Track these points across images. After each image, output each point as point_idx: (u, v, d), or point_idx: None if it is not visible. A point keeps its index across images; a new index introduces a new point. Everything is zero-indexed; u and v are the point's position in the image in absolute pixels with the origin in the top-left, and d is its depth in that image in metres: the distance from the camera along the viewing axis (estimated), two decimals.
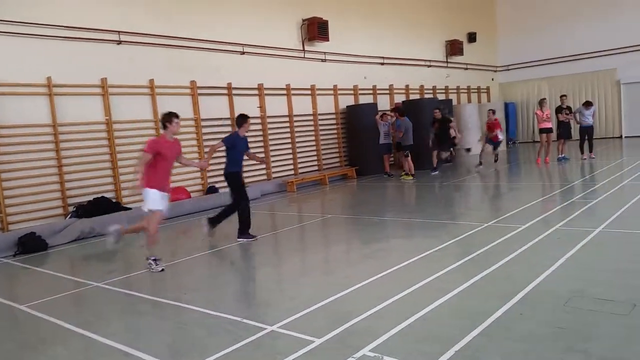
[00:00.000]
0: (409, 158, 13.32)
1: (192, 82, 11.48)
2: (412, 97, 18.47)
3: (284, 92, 13.81)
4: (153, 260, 6.04)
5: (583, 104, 14.54)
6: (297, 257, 6.60)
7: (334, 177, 14.32)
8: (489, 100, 23.14)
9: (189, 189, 11.02)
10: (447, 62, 20.72)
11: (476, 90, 22.66)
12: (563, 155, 14.35)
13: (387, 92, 17.57)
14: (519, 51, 23.55)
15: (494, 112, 14.88)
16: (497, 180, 12.62)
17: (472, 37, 21.92)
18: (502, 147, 17.13)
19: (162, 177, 6.08)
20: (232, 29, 12.40)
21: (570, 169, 12.98)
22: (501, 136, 14.91)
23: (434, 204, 9.97)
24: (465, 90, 21.92)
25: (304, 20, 14.31)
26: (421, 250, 5.91)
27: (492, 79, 24.13)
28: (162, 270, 5.98)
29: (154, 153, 5.90)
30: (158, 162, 5.96)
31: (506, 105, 22.96)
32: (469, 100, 21.96)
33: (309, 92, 14.55)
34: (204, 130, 11.69)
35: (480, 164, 14.04)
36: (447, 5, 20.84)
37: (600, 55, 21.41)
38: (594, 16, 21.37)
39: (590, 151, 14.33)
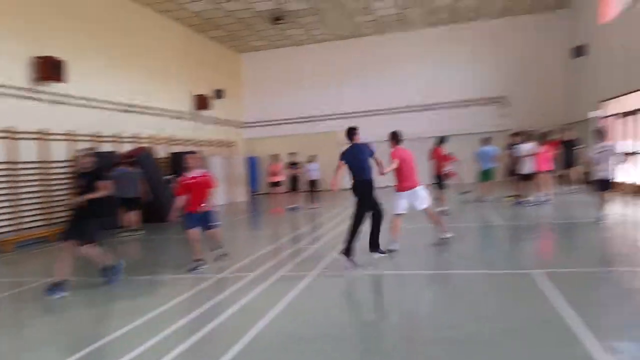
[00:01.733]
0: (133, 212, 12.30)
1: None
2: (159, 147, 18.19)
3: (5, 135, 12.00)
4: None
5: (308, 160, 16.61)
6: None
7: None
8: (235, 154, 24.39)
9: None
10: (195, 115, 21.16)
11: (223, 144, 23.64)
12: (294, 205, 15.93)
13: (132, 140, 16.89)
14: (261, 110, 25.78)
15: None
16: (235, 230, 13.15)
17: (219, 94, 22.98)
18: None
19: None
20: None
21: (300, 217, 14.42)
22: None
23: (168, 259, 9.76)
24: (214, 144, 22.65)
25: (37, 58, 12.86)
26: (146, 311, 5.65)
27: (239, 134, 25.59)
28: None
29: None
30: None
31: (250, 159, 24.56)
32: (217, 154, 22.73)
33: (37, 136, 12.95)
34: None
35: None
36: (196, 61, 21.53)
37: (326, 119, 24.96)
38: (321, 86, 24.99)
39: (316, 201, 16.26)
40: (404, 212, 8.05)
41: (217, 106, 22.74)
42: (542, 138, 13.60)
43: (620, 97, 16.11)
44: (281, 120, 25.52)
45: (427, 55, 23.77)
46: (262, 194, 24.99)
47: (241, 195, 22.38)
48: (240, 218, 15.74)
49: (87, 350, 4.56)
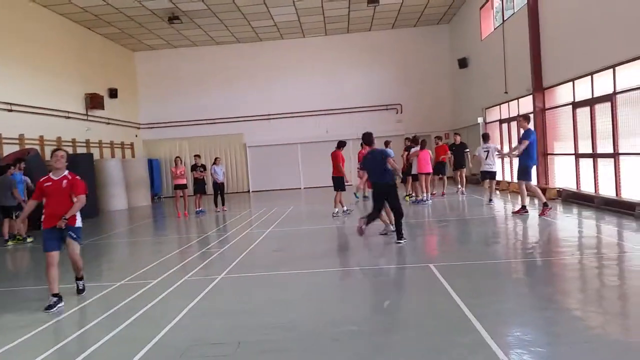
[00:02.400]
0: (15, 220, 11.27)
1: None
2: (48, 149, 16.83)
3: None
4: None
5: (213, 162, 16.32)
6: None
7: None
8: (133, 156, 23.28)
9: None
10: (87, 115, 19.87)
11: (120, 146, 22.43)
12: (200, 208, 15.58)
13: (17, 142, 15.48)
14: (160, 111, 24.79)
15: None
16: (138, 236, 12.59)
17: (113, 93, 21.77)
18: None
19: None
20: None
21: (206, 220, 14.15)
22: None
23: (64, 268, 9.10)
24: (108, 145, 21.42)
25: None
26: (41, 323, 5.27)
27: (136, 136, 24.42)
28: None
29: None
30: None
31: (150, 161, 23.53)
32: (113, 155, 21.54)
33: None
34: None
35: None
36: (88, 59, 20.23)
37: (231, 121, 24.64)
38: (224, 88, 24.61)
39: (223, 204, 16.04)
40: None
41: (112, 106, 21.55)
42: (423, 143, 14.47)
43: (501, 104, 17.77)
44: (183, 121, 24.76)
45: (327, 62, 24.44)
46: (166, 197, 24.10)
47: (143, 199, 21.37)
48: (142, 223, 15.05)
49: None
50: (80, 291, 6.43)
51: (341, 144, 13.14)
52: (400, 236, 8.49)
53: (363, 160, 9.24)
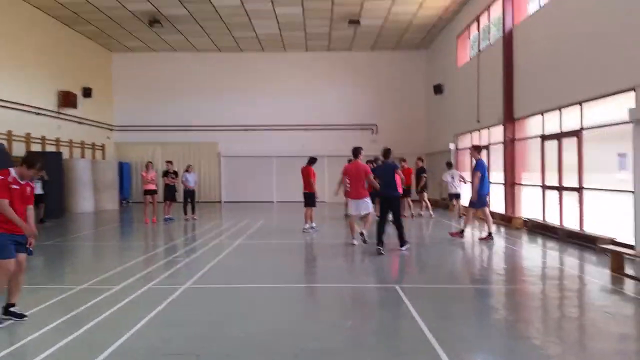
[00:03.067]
0: None
1: None
2: (16, 145, 16.41)
3: None
4: None
5: (185, 170, 16.13)
6: None
7: None
8: (104, 158, 22.84)
9: None
10: (59, 112, 19.44)
11: (91, 146, 21.99)
12: (169, 215, 15.35)
13: None
14: (135, 114, 24.44)
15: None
16: (104, 240, 12.31)
17: (87, 92, 21.39)
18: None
19: None
20: None
21: (174, 228, 13.94)
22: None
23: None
24: (79, 145, 20.97)
25: None
26: None
27: (108, 137, 23.99)
28: None
29: None
30: None
31: (121, 164, 23.12)
32: (83, 156, 21.09)
33: None
34: None
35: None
36: (63, 55, 19.88)
37: (206, 130, 24.46)
38: (202, 96, 24.47)
39: (193, 212, 15.85)
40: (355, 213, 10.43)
41: (85, 105, 21.16)
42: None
43: (472, 132, 18.18)
44: (157, 126, 24.46)
45: (306, 78, 24.63)
46: (135, 202, 23.63)
47: (110, 202, 20.93)
48: (109, 227, 14.73)
49: None
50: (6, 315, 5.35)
51: (312, 160, 13.16)
52: (404, 243, 9.76)
53: (374, 170, 10.65)
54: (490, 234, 11.04)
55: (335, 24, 20.46)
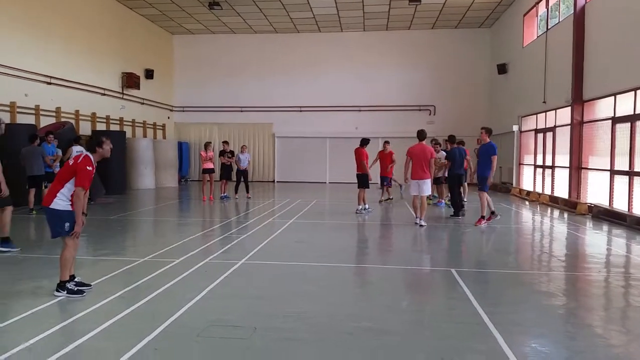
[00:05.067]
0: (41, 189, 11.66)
1: None
2: (82, 124, 17.31)
3: None
4: None
5: (240, 150, 16.39)
6: None
7: None
8: (164, 137, 23.67)
9: None
10: (122, 93, 20.27)
11: (152, 126, 22.83)
12: (225, 194, 15.75)
13: (54, 114, 15.93)
14: (193, 95, 25.09)
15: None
16: (164, 216, 12.81)
17: (149, 74, 22.14)
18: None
19: None
20: None
21: (230, 206, 14.30)
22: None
23: (92, 240, 9.35)
24: (141, 125, 21.81)
25: None
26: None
27: (169, 117, 24.80)
28: None
29: None
30: None
31: (180, 144, 23.89)
32: (145, 135, 21.94)
33: None
34: None
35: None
36: (127, 38, 20.62)
37: (262, 111, 24.77)
38: (258, 77, 24.72)
39: (247, 191, 16.17)
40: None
41: (147, 87, 21.92)
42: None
43: (538, 114, 17.40)
44: (215, 107, 25.03)
45: (362, 58, 24.29)
46: (193, 180, 24.45)
47: (170, 180, 21.77)
48: (168, 203, 15.32)
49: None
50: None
51: (365, 141, 13.01)
52: (459, 208, 11.96)
53: (449, 154, 12.53)
54: (493, 212, 10.70)
55: (395, 2, 20.00)
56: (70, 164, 5.34)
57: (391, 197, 15.53)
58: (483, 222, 10.59)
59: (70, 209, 5.29)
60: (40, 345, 3.99)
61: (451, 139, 12.73)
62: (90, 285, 5.62)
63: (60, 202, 5.28)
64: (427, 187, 10.53)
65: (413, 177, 10.61)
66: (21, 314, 4.72)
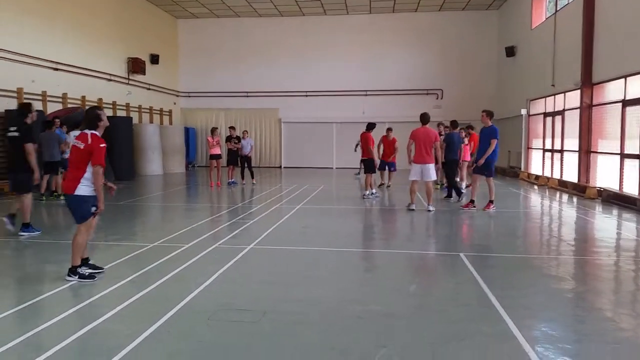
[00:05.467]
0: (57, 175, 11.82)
1: None
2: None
3: None
4: None
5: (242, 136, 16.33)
6: None
7: None
8: (170, 123, 23.67)
9: None
10: (128, 79, 20.24)
11: (158, 112, 22.83)
12: (232, 179, 15.78)
13: (60, 100, 15.96)
14: (199, 80, 25.02)
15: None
16: (172, 201, 12.88)
17: (154, 59, 22.07)
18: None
19: None
20: None
21: (237, 192, 14.34)
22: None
23: (103, 225, 9.40)
24: (147, 110, 21.82)
25: None
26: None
27: (175, 103, 24.78)
28: None
29: None
30: None
31: (187, 129, 23.91)
32: (151, 121, 21.96)
33: None
34: None
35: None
36: (131, 23, 20.53)
37: (268, 96, 24.68)
38: (264, 62, 24.58)
39: (252, 177, 16.16)
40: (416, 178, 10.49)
41: (152, 72, 21.88)
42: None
43: (547, 97, 17.23)
44: (221, 92, 24.97)
45: (369, 41, 24.07)
46: (200, 166, 24.51)
47: (177, 165, 21.84)
48: (176, 189, 15.40)
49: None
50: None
51: (371, 126, 12.95)
52: (460, 193, 12.10)
53: (447, 137, 12.38)
54: (491, 201, 10.57)
55: None
56: (82, 147, 5.32)
57: (384, 182, 15.41)
58: (492, 206, 10.53)
59: (95, 194, 5.35)
60: (55, 327, 4.05)
61: (453, 124, 12.57)
62: (103, 269, 5.67)
63: (86, 187, 5.31)
64: (431, 172, 10.37)
65: (415, 161, 10.45)
66: (35, 297, 4.78)
